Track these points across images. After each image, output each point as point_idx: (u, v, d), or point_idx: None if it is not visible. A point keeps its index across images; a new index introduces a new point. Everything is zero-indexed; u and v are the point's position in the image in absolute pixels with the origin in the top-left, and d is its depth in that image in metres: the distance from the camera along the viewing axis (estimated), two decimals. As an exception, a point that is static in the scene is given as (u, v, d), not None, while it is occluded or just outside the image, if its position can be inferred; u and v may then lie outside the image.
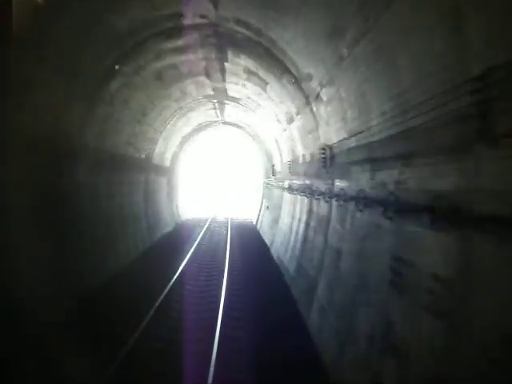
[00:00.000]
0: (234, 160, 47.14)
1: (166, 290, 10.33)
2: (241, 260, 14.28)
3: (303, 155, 11.46)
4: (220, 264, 13.77)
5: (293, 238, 12.10)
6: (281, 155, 16.78)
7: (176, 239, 17.89)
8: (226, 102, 17.74)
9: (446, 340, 3.44)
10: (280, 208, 16.72)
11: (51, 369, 5.75)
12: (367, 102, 5.72)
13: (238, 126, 23.92)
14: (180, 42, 10.14)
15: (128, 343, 7.31)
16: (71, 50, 7.51)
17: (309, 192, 10.34)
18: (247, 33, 8.92)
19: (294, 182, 13.52)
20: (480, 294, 3.10)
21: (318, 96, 8.35)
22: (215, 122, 23.53)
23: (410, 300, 4.14)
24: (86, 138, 9.79)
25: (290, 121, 11.99)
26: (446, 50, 3.54)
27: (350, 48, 5.69)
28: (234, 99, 16.62)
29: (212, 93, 15.93)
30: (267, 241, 17.44)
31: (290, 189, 14.13)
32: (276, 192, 19.13)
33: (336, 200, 7.69)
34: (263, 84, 11.99)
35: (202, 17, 8.71)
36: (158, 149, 17.96)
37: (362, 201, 6.05)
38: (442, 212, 3.61)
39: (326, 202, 8.36)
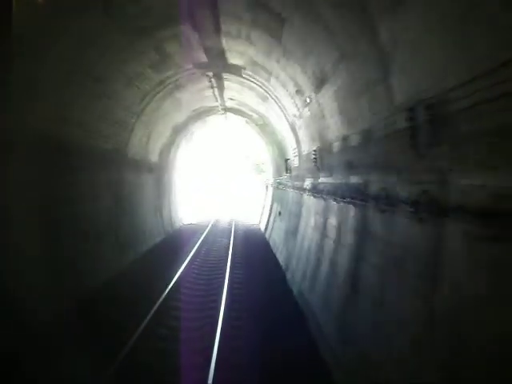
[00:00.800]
0: (239, 157, 42.71)
1: None
2: (246, 295, 9.90)
3: (345, 137, 7.01)
4: (214, 305, 9.40)
5: (326, 270, 7.64)
6: (299, 145, 12.38)
7: (160, 259, 13.54)
8: (224, 75, 13.35)
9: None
10: (298, 216, 12.27)
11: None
12: None
13: (243, 114, 19.51)
14: None
15: None
16: None
17: (360, 197, 5.91)
18: None
19: (323, 180, 9.10)
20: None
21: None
22: (214, 108, 19.15)
23: None
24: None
25: (322, 83, 7.54)
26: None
27: None
28: (236, 69, 12.23)
29: (205, 58, 11.54)
30: (281, 261, 12.99)
31: (316, 190, 9.70)
32: (291, 195, 14.68)
33: (458, 218, 3.27)
34: (277, 25, 7.56)
35: None
36: (135, 138, 13.60)
37: None
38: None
39: (421, 220, 3.93)
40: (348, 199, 6.53)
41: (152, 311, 8.24)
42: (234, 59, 11.49)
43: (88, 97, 9.19)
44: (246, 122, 21.52)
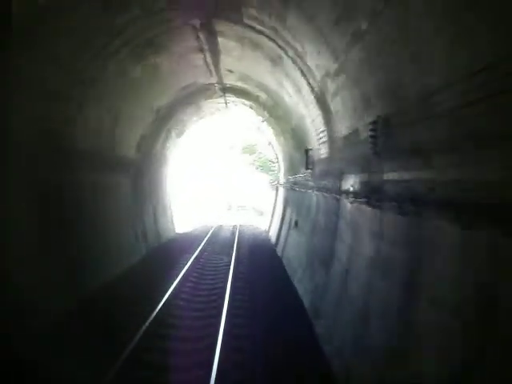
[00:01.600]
0: (243, 154, 38.41)
1: None
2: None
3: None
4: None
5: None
6: (329, 124, 8.11)
7: (125, 295, 9.33)
8: (217, 25, 9.09)
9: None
10: (332, 234, 7.90)
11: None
12: None
13: (246, 96, 15.27)
14: None
15: None
16: None
17: None
18: None
19: (396, 177, 4.78)
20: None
21: None
22: (210, 88, 14.91)
23: None
24: None
25: None
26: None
27: None
28: (233, 7, 7.97)
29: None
30: (306, 302, 8.64)
31: (374, 195, 5.39)
32: (316, 199, 10.33)
33: None
34: None
35: None
36: (87, 121, 9.36)
37: None
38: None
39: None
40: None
41: None
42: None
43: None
44: (251, 108, 17.25)
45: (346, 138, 7.15)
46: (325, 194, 8.64)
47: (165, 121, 15.54)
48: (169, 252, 14.57)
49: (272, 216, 21.74)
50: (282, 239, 15.41)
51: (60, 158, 8.16)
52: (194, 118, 19.20)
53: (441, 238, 3.55)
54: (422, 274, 3.82)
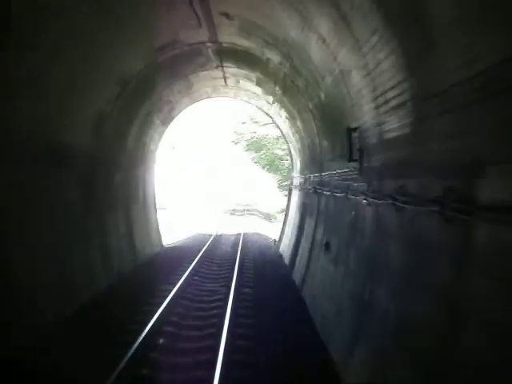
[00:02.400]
0: (247, 147, 34.05)
1: None
2: None
3: None
4: None
5: None
6: (413, 71, 3.92)
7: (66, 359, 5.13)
8: None
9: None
10: (439, 302, 3.57)
11: None
12: None
13: (252, 62, 11.04)
14: None
15: None
16: None
17: None
18: None
19: None
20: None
21: None
22: (200, 48, 10.68)
23: None
24: None
25: None
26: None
27: None
28: None
29: None
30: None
31: None
32: (373, 214, 5.94)
33: None
34: None
35: None
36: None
37: None
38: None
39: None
40: None
41: None
42: None
43: None
44: (258, 84, 13.02)
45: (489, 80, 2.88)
46: (407, 208, 4.33)
47: (139, 99, 11.30)
48: (153, 273, 10.37)
49: (284, 224, 17.45)
50: (300, 262, 11.11)
51: None
52: (185, 101, 14.95)
53: None
54: None
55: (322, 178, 9.89)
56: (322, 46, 6.75)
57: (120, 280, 10.03)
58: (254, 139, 31.42)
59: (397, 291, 4.50)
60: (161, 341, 6.70)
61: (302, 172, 14.15)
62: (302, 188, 13.25)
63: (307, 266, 9.88)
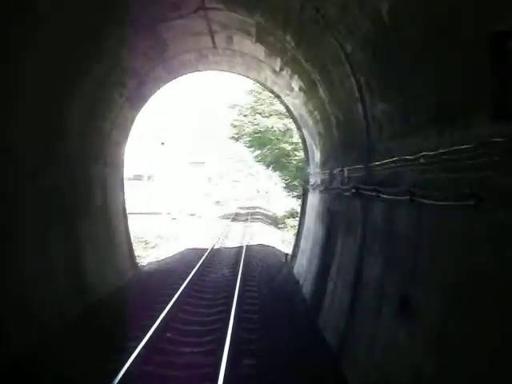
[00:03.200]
0: (250, 143, 29.80)
1: None
2: None
3: None
4: None
5: None
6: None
7: None
8: None
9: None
10: None
11: None
12: None
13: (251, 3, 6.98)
14: None
15: None
16: None
17: None
18: None
19: None
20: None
21: None
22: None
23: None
24: None
25: None
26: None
27: None
28: None
29: None
30: None
31: None
32: None
33: None
34: None
35: None
36: None
37: None
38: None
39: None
40: None
41: None
42: None
43: None
44: (258, 41, 8.94)
45: None
46: None
47: (77, 59, 7.24)
48: (76, 351, 6.25)
49: (298, 236, 13.33)
50: (332, 309, 6.95)
51: None
52: (160, 72, 10.89)
53: None
54: None
55: (370, 171, 5.80)
56: None
57: (40, 346, 5.95)
58: (258, 134, 27.34)
59: None
60: None
61: (323, 166, 10.07)
62: (327, 188, 9.13)
63: (349, 324, 5.75)
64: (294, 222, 23.21)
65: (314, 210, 11.22)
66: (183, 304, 8.51)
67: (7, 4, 5.18)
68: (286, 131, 25.41)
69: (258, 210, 37.96)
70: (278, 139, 27.08)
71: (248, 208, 38.64)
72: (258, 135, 27.55)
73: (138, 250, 16.05)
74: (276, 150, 28.30)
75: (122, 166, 11.81)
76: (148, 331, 6.42)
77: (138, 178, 72.17)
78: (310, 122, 10.52)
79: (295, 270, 11.93)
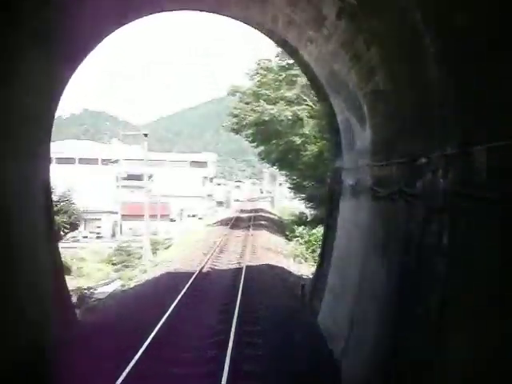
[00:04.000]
0: (251, 136, 25.21)
1: None
2: None
3: None
4: None
5: None
6: None
7: None
8: None
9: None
10: None
11: None
12: None
13: None
14: None
15: None
16: None
17: None
18: None
19: None
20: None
21: None
22: None
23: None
24: None
25: None
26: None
27: None
28: None
29: None
30: None
31: None
32: None
33: None
34: None
35: None
36: None
37: None
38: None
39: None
40: None
41: None
42: None
43: None
44: None
45: None
46: None
47: None
48: None
49: (324, 263, 8.79)
50: None
51: None
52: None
53: None
54: None
55: None
56: None
57: None
58: (261, 127, 22.89)
59: None
60: None
61: (381, 153, 5.59)
62: (402, 193, 4.62)
63: None
64: (307, 230, 18.80)
65: (357, 227, 6.73)
66: None
67: None
68: (296, 122, 20.99)
69: (261, 213, 33.52)
70: (286, 132, 22.64)
71: (250, 211, 34.21)
72: (262, 127, 23.13)
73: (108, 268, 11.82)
74: (282, 145, 23.85)
75: (46, 160, 7.38)
76: None
77: (136, 177, 68.04)
78: (354, 79, 6.06)
79: (321, 321, 7.47)
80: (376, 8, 4.52)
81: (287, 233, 25.05)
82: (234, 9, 7.95)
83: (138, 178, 67.46)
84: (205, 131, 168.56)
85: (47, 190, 7.42)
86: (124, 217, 48.77)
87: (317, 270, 9.32)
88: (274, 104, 20.28)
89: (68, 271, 21.38)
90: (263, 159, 31.82)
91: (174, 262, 13.33)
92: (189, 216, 62.39)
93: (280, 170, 32.11)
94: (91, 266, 17.97)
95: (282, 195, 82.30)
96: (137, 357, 5.30)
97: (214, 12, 8.15)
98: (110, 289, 11.29)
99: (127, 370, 4.90)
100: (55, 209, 21.04)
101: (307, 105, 20.38)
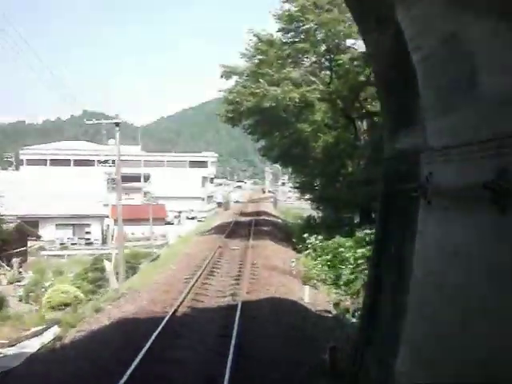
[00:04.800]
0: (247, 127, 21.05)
1: None
2: None
3: None
4: None
5: None
6: None
7: None
8: None
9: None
10: None
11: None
12: None
13: None
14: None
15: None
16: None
17: None
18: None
19: None
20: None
21: None
22: None
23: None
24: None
25: None
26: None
27: None
28: None
29: None
30: None
31: None
32: None
33: None
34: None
35: None
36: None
37: None
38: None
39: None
40: None
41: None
42: None
43: None
44: None
45: None
46: None
47: None
48: None
49: (378, 328, 4.77)
50: None
51: None
52: None
53: None
54: None
55: None
56: None
57: None
58: (261, 115, 18.91)
59: None
60: None
61: None
62: None
63: None
64: (321, 239, 14.74)
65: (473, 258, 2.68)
66: None
67: None
68: (304, 108, 16.99)
69: (263, 216, 29.53)
70: (291, 123, 18.63)
71: (251, 214, 30.23)
72: (263, 116, 19.11)
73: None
74: (287, 137, 19.81)
75: None
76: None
77: (131, 179, 64.19)
78: None
79: None
80: None
81: (294, 239, 21.04)
82: None
83: (134, 179, 63.72)
84: (206, 131, 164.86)
85: None
86: (116, 221, 44.79)
87: (361, 330, 5.30)
88: (277, 85, 16.26)
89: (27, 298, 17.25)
90: (264, 155, 27.84)
91: (142, 295, 9.34)
92: (188, 218, 58.56)
93: (284, 168, 27.99)
94: (57, 289, 14.08)
95: (284, 195, 78.26)
96: None
97: None
98: (38, 342, 7.40)
99: None
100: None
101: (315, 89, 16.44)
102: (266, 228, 22.05)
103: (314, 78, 17.53)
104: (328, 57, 17.04)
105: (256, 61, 17.41)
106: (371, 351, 4.94)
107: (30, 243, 30.84)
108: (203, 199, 68.73)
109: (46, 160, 66.58)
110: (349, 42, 17.32)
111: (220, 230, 21.39)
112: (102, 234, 43.32)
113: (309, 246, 15.12)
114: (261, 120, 19.88)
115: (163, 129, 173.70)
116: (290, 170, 27.99)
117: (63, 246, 40.30)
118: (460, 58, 3.22)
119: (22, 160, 68.78)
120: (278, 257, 14.33)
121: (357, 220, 21.36)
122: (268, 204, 48.16)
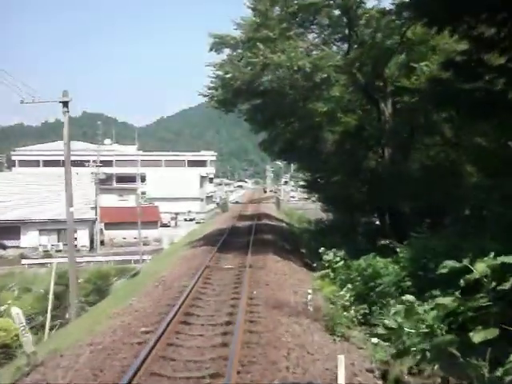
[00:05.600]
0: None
1: None
2: None
3: None
4: None
5: None
6: None
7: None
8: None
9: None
10: None
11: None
12: None
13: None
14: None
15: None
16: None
17: None
18: None
19: None
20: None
21: None
22: None
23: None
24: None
25: None
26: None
27: None
28: None
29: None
30: None
31: None
32: None
33: None
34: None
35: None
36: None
37: None
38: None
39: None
40: None
41: None
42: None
43: None
44: None
45: None
46: None
47: None
48: None
49: None
50: None
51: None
52: None
53: None
54: None
55: None
56: None
57: None
58: (258, 100, 14.77)
59: None
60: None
61: None
62: None
63: None
64: (346, 262, 10.53)
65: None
66: None
67: None
68: (317, 85, 12.84)
69: (265, 220, 25.37)
70: (300, 106, 14.47)
71: (252, 218, 26.07)
72: (262, 99, 14.97)
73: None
74: (294, 123, 15.68)
75: None
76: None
77: (129, 179, 60.29)
78: None
79: None
80: None
81: (303, 250, 16.92)
82: None
83: (129, 179, 59.57)
84: (206, 131, 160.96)
85: None
86: (107, 225, 40.75)
87: None
88: (281, 52, 12.09)
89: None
90: (265, 150, 23.67)
91: (62, 371, 5.22)
92: (186, 220, 54.99)
93: (287, 164, 23.79)
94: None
95: (287, 194, 74.26)
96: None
97: None
98: None
99: None
100: None
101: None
102: (268, 237, 17.82)
103: (326, 48, 13.46)
104: (347, 16, 12.90)
105: (257, 17, 13.22)
106: None
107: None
108: (202, 200, 64.77)
109: (38, 161, 62.97)
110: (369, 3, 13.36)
111: (212, 239, 17.22)
112: (91, 239, 39.33)
113: (327, 264, 10.92)
114: (261, 105, 15.73)
115: (163, 129, 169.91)
116: (293, 167, 23.76)
117: (47, 254, 36.35)
118: None
119: (14, 161, 65.26)
120: (286, 282, 10.16)
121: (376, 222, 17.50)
122: (270, 205, 43.94)
